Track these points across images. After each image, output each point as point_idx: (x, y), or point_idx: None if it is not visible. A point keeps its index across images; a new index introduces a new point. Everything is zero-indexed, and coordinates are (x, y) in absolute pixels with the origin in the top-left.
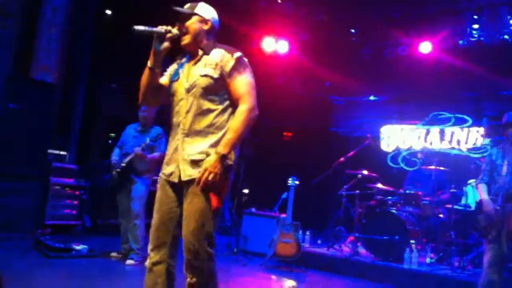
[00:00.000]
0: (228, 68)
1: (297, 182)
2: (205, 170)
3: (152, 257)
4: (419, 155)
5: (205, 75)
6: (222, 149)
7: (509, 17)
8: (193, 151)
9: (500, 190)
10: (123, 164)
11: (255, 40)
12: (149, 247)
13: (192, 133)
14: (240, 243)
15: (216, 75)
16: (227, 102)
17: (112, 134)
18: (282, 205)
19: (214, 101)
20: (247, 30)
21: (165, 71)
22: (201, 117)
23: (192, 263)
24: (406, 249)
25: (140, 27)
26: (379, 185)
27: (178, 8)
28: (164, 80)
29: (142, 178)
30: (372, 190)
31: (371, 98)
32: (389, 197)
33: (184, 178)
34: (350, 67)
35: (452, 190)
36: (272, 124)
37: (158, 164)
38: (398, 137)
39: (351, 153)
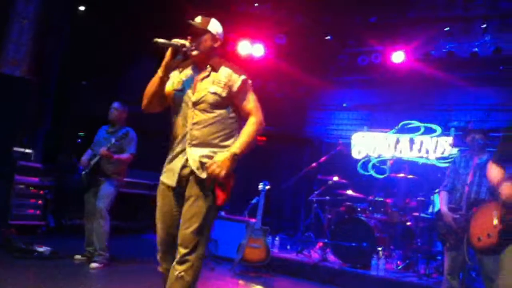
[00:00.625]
0: (235, 88)
1: (268, 187)
2: (215, 162)
3: (163, 264)
4: (388, 163)
5: (214, 93)
6: (235, 149)
7: (478, 30)
8: (198, 155)
9: (463, 198)
10: (91, 164)
11: (230, 43)
12: (158, 255)
13: (198, 144)
14: (209, 247)
15: (224, 94)
16: (232, 118)
17: (81, 133)
18: (252, 210)
19: (219, 115)
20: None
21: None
22: (207, 130)
23: (187, 258)
24: (374, 255)
25: (161, 40)
26: (349, 192)
27: (193, 23)
28: (167, 87)
29: (111, 179)
30: (342, 196)
31: (344, 105)
32: (359, 204)
33: (183, 184)
34: (325, 72)
35: (419, 198)
36: None
37: (127, 165)
38: (368, 144)
39: (323, 159)
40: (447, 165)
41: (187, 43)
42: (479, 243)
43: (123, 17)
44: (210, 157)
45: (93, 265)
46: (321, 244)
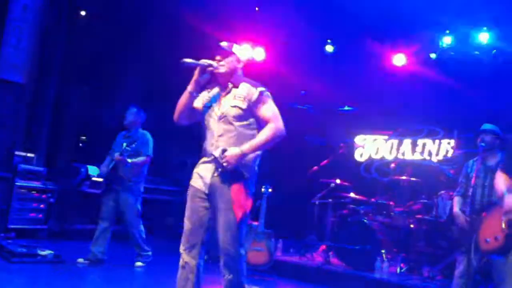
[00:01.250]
0: (253, 99)
1: (270, 190)
2: (225, 155)
3: (185, 257)
4: (391, 166)
5: (235, 106)
6: (244, 147)
7: (479, 32)
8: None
9: (469, 201)
10: (109, 169)
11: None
12: (181, 248)
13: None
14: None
15: (244, 106)
16: (253, 129)
17: (83, 137)
18: (254, 213)
19: (242, 127)
20: (223, 37)
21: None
22: (231, 141)
23: (229, 263)
24: (377, 258)
25: (188, 60)
26: (352, 194)
27: (223, 46)
28: (197, 104)
29: (129, 184)
30: (344, 199)
31: (346, 108)
32: (361, 206)
33: (211, 190)
34: (325, 76)
35: (423, 201)
36: None
37: (144, 169)
38: (371, 147)
39: (325, 161)
40: (449, 167)
41: (213, 63)
42: (486, 245)
43: (121, 22)
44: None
45: (138, 263)
46: (324, 247)
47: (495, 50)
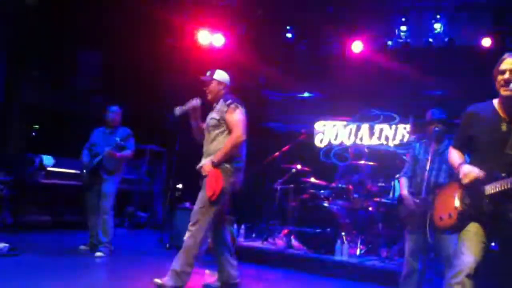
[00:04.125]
0: (224, 111)
1: None
2: (201, 167)
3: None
4: (349, 150)
5: (212, 118)
6: (214, 157)
7: (433, 21)
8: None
9: (423, 183)
10: (93, 163)
11: (190, 32)
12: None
13: (208, 155)
14: (173, 238)
15: (217, 117)
16: (225, 135)
17: (36, 126)
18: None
19: (218, 134)
20: (181, 22)
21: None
22: (212, 145)
23: (190, 228)
24: (338, 241)
25: (178, 111)
26: (312, 179)
27: (203, 78)
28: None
29: (113, 176)
30: (305, 184)
31: (305, 94)
32: (322, 191)
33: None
34: (285, 62)
35: (380, 184)
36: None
37: (126, 162)
38: (330, 132)
39: (286, 148)
40: (405, 151)
41: (198, 101)
42: (440, 222)
43: (72, 6)
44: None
45: (99, 253)
46: (285, 231)
47: (448, 38)
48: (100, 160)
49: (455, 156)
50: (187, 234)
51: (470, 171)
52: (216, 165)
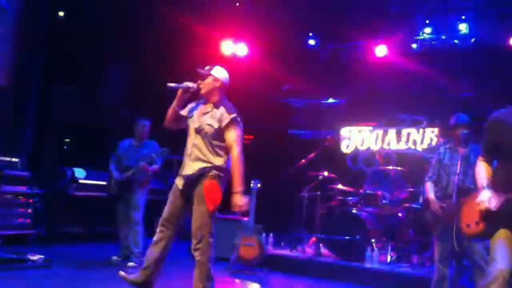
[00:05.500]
0: (224, 123)
1: (258, 186)
2: (237, 205)
3: (158, 234)
4: (377, 156)
5: (209, 125)
6: (238, 188)
7: (458, 22)
8: (194, 171)
9: (449, 187)
10: (126, 175)
11: (213, 42)
12: (158, 229)
13: (196, 159)
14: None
15: (216, 126)
16: (220, 143)
17: (67, 140)
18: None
19: (211, 141)
20: (205, 32)
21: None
22: (204, 150)
23: (197, 246)
24: (367, 248)
25: (172, 84)
26: (339, 186)
27: (200, 70)
28: (184, 112)
29: (143, 188)
30: (332, 191)
31: (330, 100)
32: (349, 198)
33: (186, 188)
34: (308, 69)
35: (409, 190)
36: None
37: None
38: (356, 138)
39: (311, 155)
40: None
41: (194, 85)
42: (468, 229)
43: (101, 21)
44: (204, 170)
45: (130, 264)
46: (314, 239)
47: (473, 39)
48: (133, 173)
49: (481, 173)
50: (197, 253)
51: (485, 200)
52: (242, 193)
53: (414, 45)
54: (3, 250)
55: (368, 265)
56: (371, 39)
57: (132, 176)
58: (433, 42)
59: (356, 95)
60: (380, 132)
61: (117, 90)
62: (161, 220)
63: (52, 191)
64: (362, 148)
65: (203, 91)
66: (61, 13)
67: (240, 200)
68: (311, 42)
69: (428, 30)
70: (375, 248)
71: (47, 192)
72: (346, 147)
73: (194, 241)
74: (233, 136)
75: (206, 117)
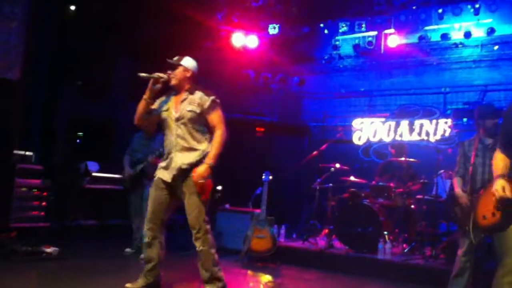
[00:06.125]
0: (206, 106)
1: (270, 177)
2: (198, 174)
3: (149, 234)
4: (389, 147)
5: (190, 110)
6: (209, 160)
7: (472, 10)
8: (184, 162)
9: (469, 180)
10: (137, 169)
11: (224, 35)
12: (145, 227)
13: (182, 149)
14: (215, 239)
15: (198, 111)
16: (202, 127)
17: (80, 134)
18: (256, 201)
19: (195, 127)
20: (216, 25)
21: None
22: (188, 138)
23: (197, 236)
24: (380, 240)
25: (143, 74)
26: (352, 178)
27: (170, 60)
28: (154, 105)
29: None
30: (345, 183)
31: (342, 91)
32: (362, 190)
33: (176, 180)
34: (319, 60)
35: (422, 181)
36: (243, 120)
37: None
38: (368, 130)
39: (323, 146)
40: (447, 146)
41: (165, 75)
42: (484, 221)
43: (110, 15)
44: (194, 161)
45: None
46: (326, 231)
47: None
48: (143, 167)
49: (497, 163)
50: (198, 243)
51: (500, 188)
52: (212, 165)
53: (425, 34)
54: (18, 243)
55: (380, 257)
56: (383, 28)
57: (143, 170)
58: (445, 32)
59: (367, 85)
60: (392, 123)
61: (128, 84)
62: (146, 220)
63: (65, 185)
64: (374, 139)
65: (174, 82)
66: (72, 7)
67: (202, 170)
68: (321, 32)
69: (437, 19)
70: (387, 240)
71: (60, 185)
72: (358, 138)
73: (193, 232)
74: (216, 117)
75: (184, 104)
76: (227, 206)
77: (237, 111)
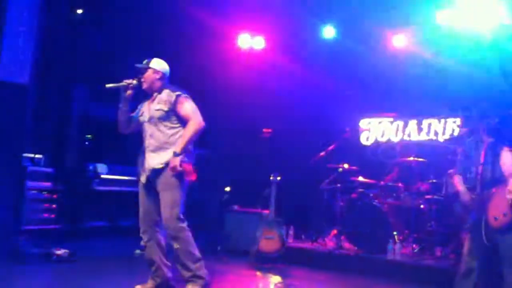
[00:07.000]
0: (173, 101)
1: (278, 178)
2: (170, 168)
3: (144, 238)
4: (397, 147)
5: (158, 109)
6: (176, 149)
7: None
8: (156, 163)
9: (477, 178)
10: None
11: (230, 37)
12: (140, 231)
13: (155, 149)
14: (223, 241)
15: (166, 108)
16: (177, 125)
17: (89, 136)
18: (264, 202)
19: (167, 126)
20: (221, 26)
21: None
22: (159, 137)
23: (173, 234)
24: (389, 240)
25: (111, 85)
26: (360, 178)
27: (138, 65)
28: (134, 113)
29: None
30: (353, 183)
31: (349, 92)
32: (370, 190)
33: (151, 181)
34: (326, 61)
35: (431, 181)
36: (251, 121)
37: None
38: (376, 130)
39: (331, 147)
40: (456, 146)
41: (134, 81)
42: (495, 222)
43: (119, 17)
44: (165, 160)
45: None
46: (335, 232)
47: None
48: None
49: (507, 161)
50: (174, 242)
51: None
52: (178, 154)
53: (430, 34)
54: (29, 245)
55: (390, 257)
56: (389, 29)
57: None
58: (450, 31)
59: (375, 86)
60: (400, 123)
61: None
62: (140, 223)
63: (75, 187)
64: (382, 139)
65: (145, 86)
66: (79, 11)
67: (173, 162)
68: (329, 32)
69: (444, 17)
70: (397, 241)
71: (70, 187)
72: (366, 139)
73: (168, 231)
74: (186, 108)
75: (153, 104)
76: (235, 207)
77: (244, 113)
